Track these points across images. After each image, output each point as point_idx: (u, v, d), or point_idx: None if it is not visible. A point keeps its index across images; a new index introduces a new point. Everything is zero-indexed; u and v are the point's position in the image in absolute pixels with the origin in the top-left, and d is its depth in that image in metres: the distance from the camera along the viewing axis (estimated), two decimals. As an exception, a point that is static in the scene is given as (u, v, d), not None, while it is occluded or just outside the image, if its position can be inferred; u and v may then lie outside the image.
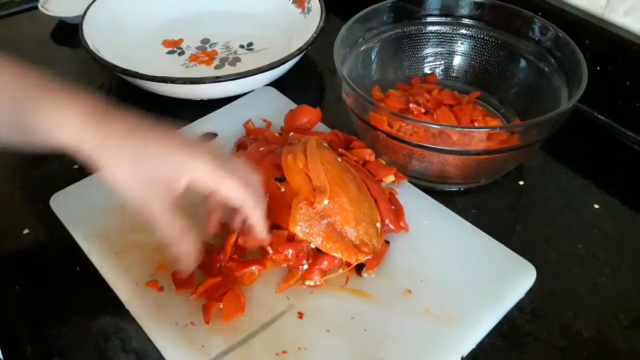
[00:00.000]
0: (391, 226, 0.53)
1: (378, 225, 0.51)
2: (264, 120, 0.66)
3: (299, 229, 0.49)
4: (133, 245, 0.52)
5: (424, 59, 0.72)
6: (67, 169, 0.62)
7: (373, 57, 0.69)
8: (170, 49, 0.82)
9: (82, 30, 0.74)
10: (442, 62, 0.71)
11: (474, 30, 0.68)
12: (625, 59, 0.65)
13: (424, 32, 0.70)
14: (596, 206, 0.59)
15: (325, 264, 0.49)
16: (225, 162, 0.44)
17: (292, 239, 0.50)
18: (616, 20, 0.67)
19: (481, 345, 0.47)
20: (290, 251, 0.49)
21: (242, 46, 0.83)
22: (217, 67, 0.79)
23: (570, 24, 0.66)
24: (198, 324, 0.46)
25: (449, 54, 0.71)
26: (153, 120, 0.44)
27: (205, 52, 0.82)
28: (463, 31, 0.69)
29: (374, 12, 0.66)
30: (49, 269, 0.53)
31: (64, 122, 0.41)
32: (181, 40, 0.84)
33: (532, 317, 0.49)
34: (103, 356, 0.46)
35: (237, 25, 0.87)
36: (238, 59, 0.80)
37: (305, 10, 0.82)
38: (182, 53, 0.82)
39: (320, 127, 0.65)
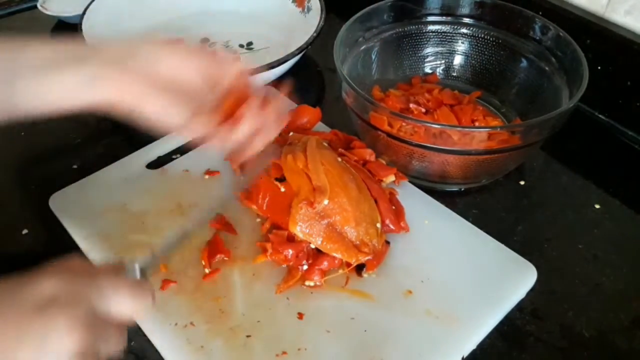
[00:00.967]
0: (391, 226, 0.53)
1: (378, 225, 0.51)
2: (264, 120, 0.66)
3: (298, 229, 0.49)
4: (132, 245, 0.52)
5: (424, 59, 0.71)
6: (67, 169, 0.62)
7: (373, 56, 0.68)
8: (170, 48, 0.82)
9: (81, 29, 0.74)
10: (443, 61, 0.71)
11: (474, 29, 0.68)
12: (626, 58, 0.65)
13: (424, 31, 0.69)
14: (597, 206, 0.59)
15: (325, 265, 0.49)
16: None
17: (292, 239, 0.50)
18: (617, 20, 0.67)
19: (482, 346, 0.46)
20: (290, 251, 0.49)
21: (241, 45, 0.83)
22: (216, 67, 0.79)
23: (571, 23, 0.66)
24: (197, 325, 0.46)
25: (449, 53, 0.71)
26: None
27: (205, 51, 0.82)
28: (464, 30, 0.69)
29: (374, 12, 0.65)
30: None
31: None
32: (181, 40, 0.83)
33: (533, 318, 0.49)
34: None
35: (236, 24, 0.87)
36: (238, 59, 0.80)
37: (305, 10, 0.82)
38: (181, 52, 0.81)
39: (320, 127, 0.65)
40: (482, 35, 0.68)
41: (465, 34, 0.69)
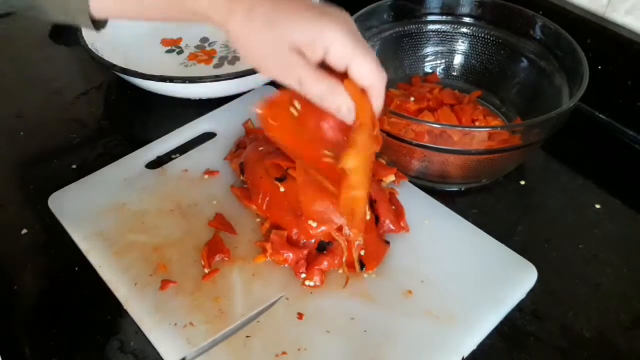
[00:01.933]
0: (392, 226, 0.53)
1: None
2: (264, 120, 0.66)
3: (352, 163, 0.44)
4: (132, 245, 0.52)
5: (424, 58, 0.71)
6: (66, 169, 0.62)
7: (373, 56, 0.68)
8: (169, 48, 0.82)
9: (81, 29, 0.73)
10: (443, 61, 0.71)
11: (475, 29, 0.68)
12: (626, 58, 0.65)
13: (424, 31, 0.69)
14: (598, 206, 0.59)
15: (325, 265, 0.49)
16: (360, 39, 0.41)
17: (292, 240, 0.50)
18: (618, 20, 0.67)
19: (482, 346, 0.46)
20: (291, 255, 0.49)
21: (241, 45, 0.83)
22: (216, 66, 0.79)
23: (571, 23, 0.66)
24: (197, 325, 0.46)
25: (450, 53, 0.71)
26: None
27: (204, 51, 0.82)
28: (464, 30, 0.68)
29: (374, 11, 0.65)
30: (48, 269, 0.53)
31: None
32: (180, 40, 0.83)
33: (533, 318, 0.49)
34: (102, 357, 0.46)
35: (236, 24, 0.87)
36: (237, 58, 0.80)
37: (306, 9, 0.82)
38: (181, 52, 0.81)
39: (321, 126, 0.64)
40: (483, 35, 0.68)
41: (466, 34, 0.69)
